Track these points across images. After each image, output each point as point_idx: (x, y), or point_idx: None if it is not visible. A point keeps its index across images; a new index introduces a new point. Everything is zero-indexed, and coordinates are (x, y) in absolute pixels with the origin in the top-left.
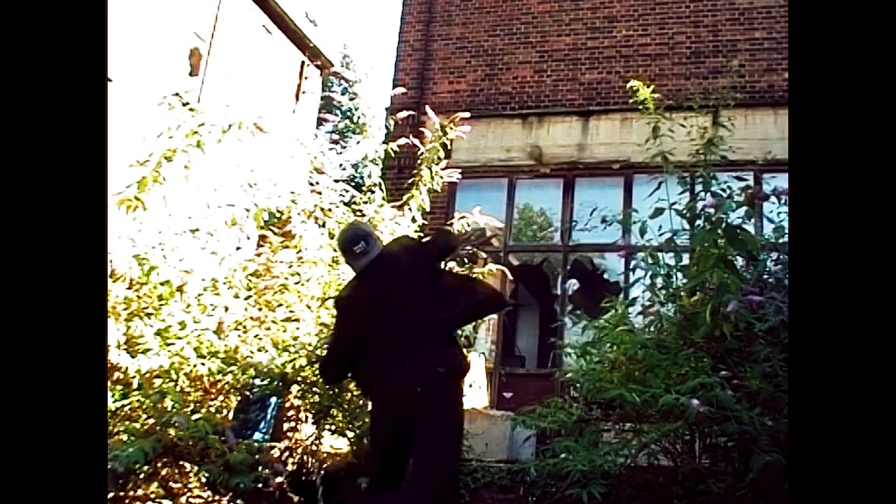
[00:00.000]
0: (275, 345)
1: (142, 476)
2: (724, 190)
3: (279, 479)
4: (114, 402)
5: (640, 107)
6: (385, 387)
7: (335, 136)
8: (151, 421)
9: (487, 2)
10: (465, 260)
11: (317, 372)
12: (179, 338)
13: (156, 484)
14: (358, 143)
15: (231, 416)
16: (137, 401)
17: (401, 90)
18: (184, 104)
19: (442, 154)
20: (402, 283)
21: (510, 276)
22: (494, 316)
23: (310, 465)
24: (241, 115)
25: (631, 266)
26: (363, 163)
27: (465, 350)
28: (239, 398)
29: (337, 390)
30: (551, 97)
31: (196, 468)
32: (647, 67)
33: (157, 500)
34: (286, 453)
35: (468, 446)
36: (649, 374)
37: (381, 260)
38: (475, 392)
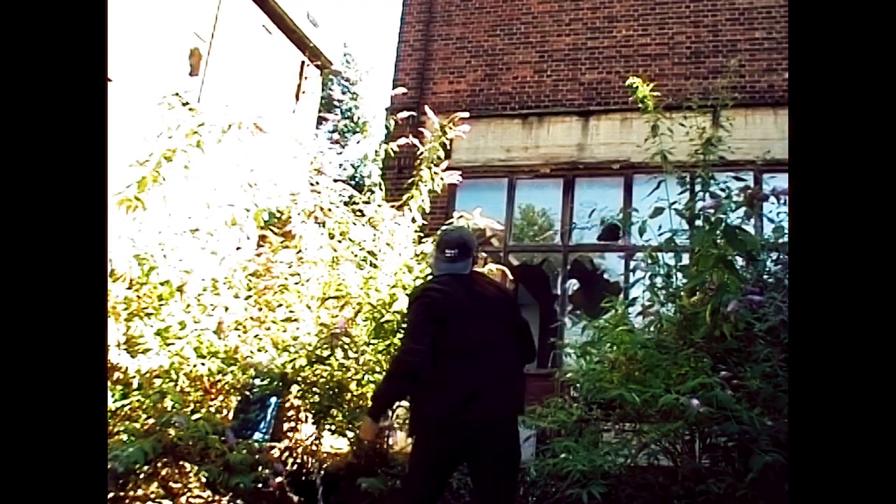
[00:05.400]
0: (275, 345)
1: (142, 476)
2: (723, 190)
3: (279, 479)
4: (114, 402)
5: (640, 105)
6: (462, 417)
7: (335, 136)
8: (151, 421)
9: (487, 2)
10: None
11: (316, 372)
12: (179, 338)
13: (156, 484)
14: (358, 142)
15: (231, 416)
16: (137, 401)
17: (401, 90)
18: (184, 104)
19: (442, 154)
20: (502, 324)
21: (510, 276)
22: None
23: (310, 465)
24: (241, 115)
25: (631, 266)
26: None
27: None
28: (239, 398)
29: (337, 390)
30: (551, 97)
31: (196, 468)
32: (647, 67)
33: (157, 500)
34: (286, 453)
35: None
36: (649, 374)
37: (474, 282)
38: None
